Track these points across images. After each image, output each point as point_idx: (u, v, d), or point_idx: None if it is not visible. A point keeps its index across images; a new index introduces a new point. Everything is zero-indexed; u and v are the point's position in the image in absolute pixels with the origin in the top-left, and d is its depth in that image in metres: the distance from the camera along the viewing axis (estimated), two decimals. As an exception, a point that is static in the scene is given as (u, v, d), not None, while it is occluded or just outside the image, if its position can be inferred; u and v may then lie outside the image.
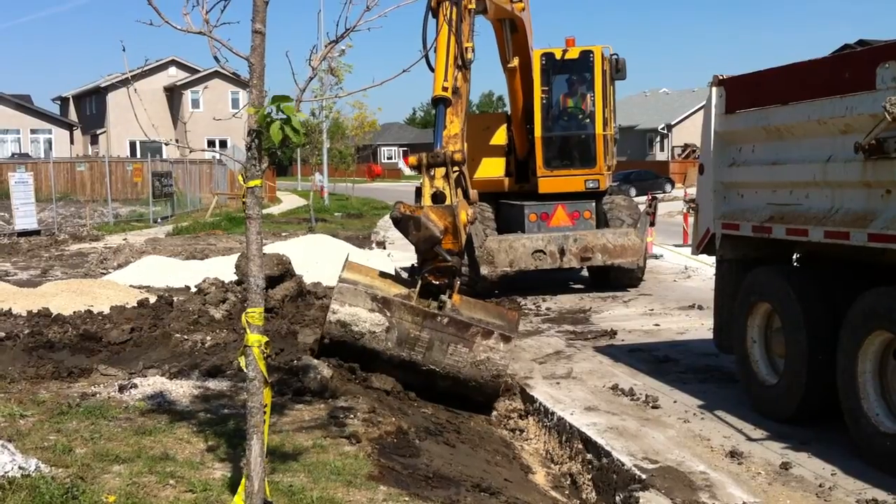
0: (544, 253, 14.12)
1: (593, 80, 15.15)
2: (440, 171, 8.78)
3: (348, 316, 8.25)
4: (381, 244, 26.84)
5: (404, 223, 8.40)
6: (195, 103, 69.09)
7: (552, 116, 15.44)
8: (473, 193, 9.54)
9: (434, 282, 8.43)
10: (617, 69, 15.36)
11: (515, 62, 15.01)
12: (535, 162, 15.28)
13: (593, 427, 7.62)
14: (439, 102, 9.59)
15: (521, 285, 15.37)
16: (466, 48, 10.28)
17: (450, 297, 8.46)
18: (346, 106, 50.95)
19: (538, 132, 15.11)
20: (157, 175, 35.69)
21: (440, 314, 8.31)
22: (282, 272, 13.04)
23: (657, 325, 12.04)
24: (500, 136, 15.99)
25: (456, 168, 8.80)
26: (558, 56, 15.24)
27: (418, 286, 8.48)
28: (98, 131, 70.91)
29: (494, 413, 8.87)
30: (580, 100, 15.46)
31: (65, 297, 12.77)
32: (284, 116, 4.50)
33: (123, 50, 4.94)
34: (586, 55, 15.20)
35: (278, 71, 5.49)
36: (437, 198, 8.59)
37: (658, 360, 9.99)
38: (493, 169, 15.71)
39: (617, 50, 15.50)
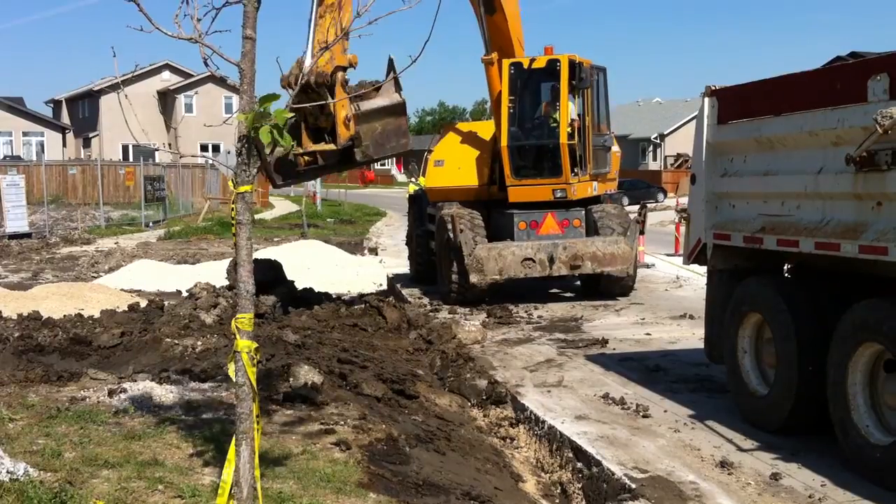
0: (534, 261, 14.09)
1: (559, 90, 14.78)
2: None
3: None
4: (374, 251, 26.76)
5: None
6: (188, 107, 69.06)
7: (518, 126, 15.16)
8: (353, 58, 11.08)
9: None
10: (580, 77, 14.77)
11: (494, 57, 14.90)
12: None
13: (584, 436, 7.62)
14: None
15: (513, 293, 15.37)
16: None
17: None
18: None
19: (504, 141, 14.88)
20: (149, 179, 35.67)
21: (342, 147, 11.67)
22: (273, 277, 13.03)
23: (648, 334, 12.05)
24: (487, 145, 15.92)
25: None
26: (525, 65, 14.94)
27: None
28: (90, 134, 70.77)
29: (485, 420, 8.90)
30: (552, 109, 15.06)
31: (55, 300, 12.75)
32: (273, 120, 4.49)
33: (114, 56, 4.92)
34: (553, 64, 14.82)
35: (270, 77, 5.50)
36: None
37: (649, 369, 10.00)
38: (480, 177, 15.63)
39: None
